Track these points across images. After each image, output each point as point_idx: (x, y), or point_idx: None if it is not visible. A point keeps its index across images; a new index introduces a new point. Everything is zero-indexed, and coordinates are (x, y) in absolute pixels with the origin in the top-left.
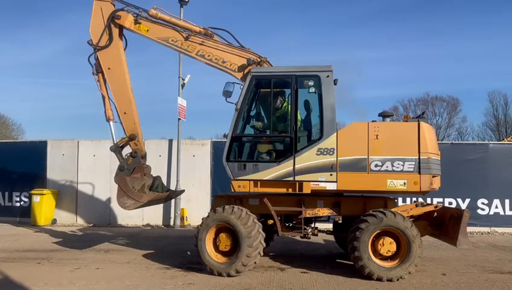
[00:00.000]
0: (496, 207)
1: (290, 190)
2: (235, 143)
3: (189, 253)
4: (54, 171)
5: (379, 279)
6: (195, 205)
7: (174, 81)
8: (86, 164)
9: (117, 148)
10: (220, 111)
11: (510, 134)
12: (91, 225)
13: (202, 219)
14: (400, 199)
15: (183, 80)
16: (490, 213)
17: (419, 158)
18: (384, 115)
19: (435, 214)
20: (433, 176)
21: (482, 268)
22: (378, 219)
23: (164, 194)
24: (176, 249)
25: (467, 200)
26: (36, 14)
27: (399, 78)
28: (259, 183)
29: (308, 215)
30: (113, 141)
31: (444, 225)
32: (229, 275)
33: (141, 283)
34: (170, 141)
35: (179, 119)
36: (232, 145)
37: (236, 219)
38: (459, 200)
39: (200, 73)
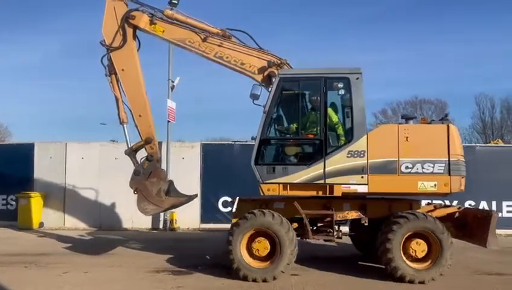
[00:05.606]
0: None
1: (320, 193)
2: (264, 146)
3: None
4: (42, 173)
5: (411, 281)
6: (185, 208)
7: (164, 83)
8: (74, 167)
9: (132, 152)
10: (210, 114)
11: (497, 137)
12: (79, 228)
13: (238, 222)
14: None
15: (173, 82)
16: None
17: (449, 160)
18: (407, 118)
19: (457, 215)
20: (462, 177)
21: (476, 270)
22: (410, 221)
23: (183, 199)
24: (165, 253)
25: (454, 203)
26: (28, 14)
27: (388, 81)
28: (288, 186)
29: (338, 218)
30: (128, 144)
31: (467, 226)
32: (264, 281)
33: (130, 287)
34: (159, 143)
35: (169, 121)
36: (261, 148)
37: (279, 225)
38: (447, 202)
39: (191, 75)
